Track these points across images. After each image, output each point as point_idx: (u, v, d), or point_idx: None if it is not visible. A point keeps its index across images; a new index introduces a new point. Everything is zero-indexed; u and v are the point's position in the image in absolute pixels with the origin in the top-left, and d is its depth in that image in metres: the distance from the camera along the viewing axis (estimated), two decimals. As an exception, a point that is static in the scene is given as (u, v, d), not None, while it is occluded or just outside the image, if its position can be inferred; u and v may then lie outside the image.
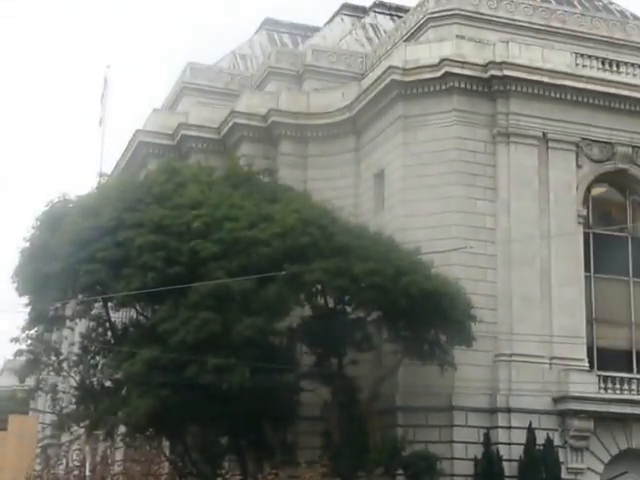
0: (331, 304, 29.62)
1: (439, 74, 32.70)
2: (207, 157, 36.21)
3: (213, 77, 44.14)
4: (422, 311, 27.73)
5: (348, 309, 29.76)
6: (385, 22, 45.42)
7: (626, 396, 31.35)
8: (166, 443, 32.16)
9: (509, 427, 30.59)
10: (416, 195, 32.68)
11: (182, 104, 43.77)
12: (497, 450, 30.06)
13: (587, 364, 31.92)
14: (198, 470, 30.82)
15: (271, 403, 28.28)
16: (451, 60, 32.58)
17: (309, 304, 29.53)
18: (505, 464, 29.87)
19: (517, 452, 30.04)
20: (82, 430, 34.27)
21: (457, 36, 33.88)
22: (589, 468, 31.08)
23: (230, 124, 37.69)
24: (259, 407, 28.19)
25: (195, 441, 31.28)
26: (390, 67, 33.50)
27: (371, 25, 45.26)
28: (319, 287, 28.83)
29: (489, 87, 32.75)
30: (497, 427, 30.64)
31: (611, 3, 39.41)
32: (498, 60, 32.58)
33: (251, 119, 37.34)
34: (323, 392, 30.40)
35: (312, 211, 28.90)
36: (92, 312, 31.70)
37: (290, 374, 29.19)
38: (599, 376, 31.42)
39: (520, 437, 30.14)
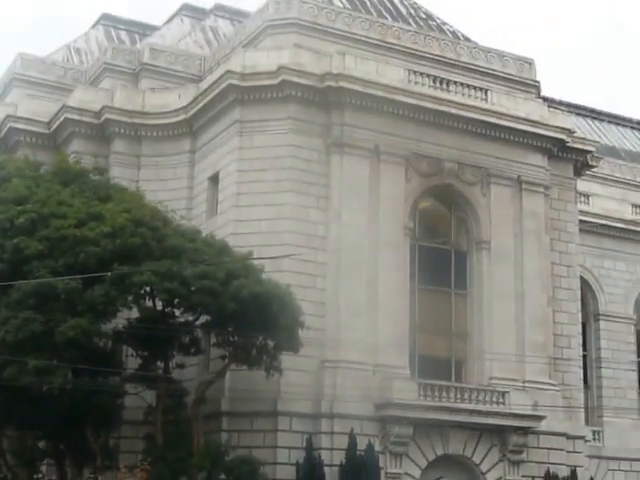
0: (160, 307, 29.28)
1: (276, 82, 32.97)
2: (36, 152, 35.04)
3: (45, 69, 42.88)
4: (251, 316, 27.79)
5: (177, 312, 29.50)
6: (225, 26, 45.38)
7: (444, 403, 32.32)
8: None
9: (332, 432, 31.02)
10: (249, 200, 32.79)
11: (11, 96, 42.30)
12: (319, 455, 30.43)
13: (409, 372, 32.80)
14: (14, 475, 29.83)
15: (93, 406, 27.68)
16: (288, 68, 32.91)
17: (137, 306, 29.07)
18: (326, 469, 30.26)
19: (339, 457, 30.51)
20: None
21: (295, 45, 34.21)
22: (407, 473, 31.90)
23: (61, 119, 36.72)
24: (81, 410, 27.58)
25: (11, 444, 30.25)
26: (228, 71, 33.52)
27: (211, 28, 45.12)
28: (148, 289, 28.44)
29: (325, 97, 33.25)
30: (320, 432, 31.04)
31: (444, 24, 40.72)
32: (334, 71, 33.13)
33: (83, 115, 36.51)
34: (148, 396, 30.04)
35: (144, 211, 28.53)
36: None
37: (114, 377, 28.68)
38: (420, 384, 32.27)
39: (342, 442, 30.60)
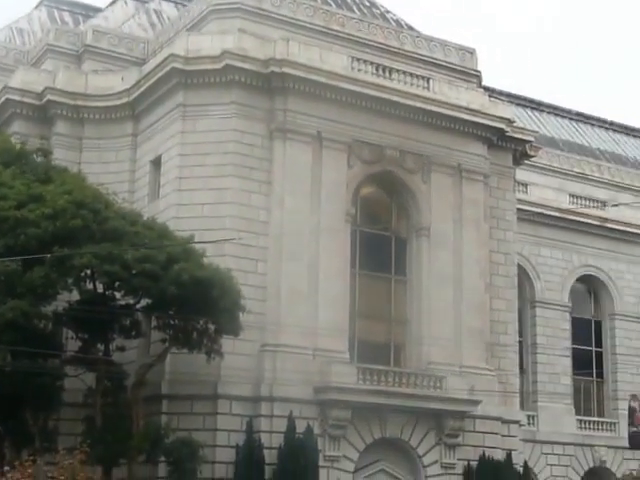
0: (100, 289, 29.26)
1: (220, 66, 33.01)
2: (-26, 133, 34.68)
3: (-15, 50, 42.26)
4: (192, 299, 27.92)
5: (117, 295, 29.51)
6: (169, 9, 45.17)
7: (383, 388, 32.77)
8: None
9: (271, 416, 31.31)
10: (192, 184, 32.84)
11: (-50, 76, 41.62)
12: (259, 438, 30.71)
13: (348, 356, 33.19)
14: (-49, 457, 29.58)
15: (33, 388, 27.62)
16: (232, 53, 32.96)
17: (77, 289, 29.02)
18: (266, 452, 30.54)
19: (278, 440, 30.79)
20: None
21: (239, 30, 34.24)
22: (345, 456, 32.31)
23: (2, 100, 36.37)
24: (20, 392, 27.49)
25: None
26: (171, 55, 33.47)
27: (155, 11, 44.88)
28: (88, 272, 28.41)
29: (268, 83, 33.37)
30: (260, 416, 31.31)
31: (388, 12, 41.02)
32: (278, 57, 33.26)
33: (25, 96, 36.19)
34: (88, 378, 30.05)
35: (85, 194, 28.43)
36: None
37: (54, 359, 28.64)
38: (359, 368, 32.67)
39: (282, 425, 30.89)
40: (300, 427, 30.95)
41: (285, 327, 31.77)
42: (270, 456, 30.63)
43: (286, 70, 33.17)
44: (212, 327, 29.29)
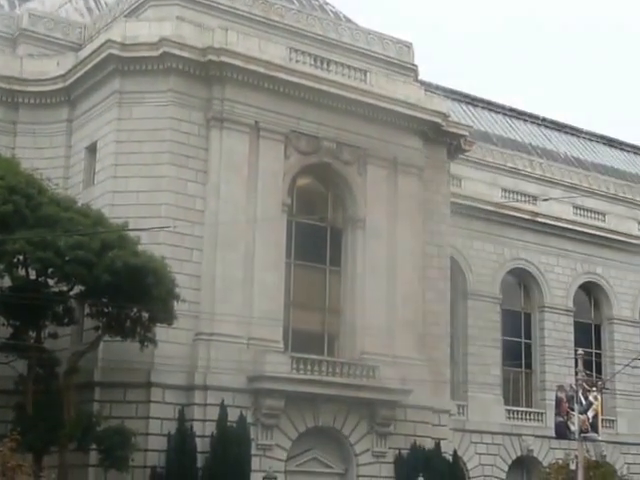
0: (33, 276, 28.98)
1: (157, 53, 32.90)
2: None
3: None
4: (126, 287, 27.81)
5: (50, 282, 29.27)
6: (107, -6, 44.67)
7: (316, 377, 33.04)
8: None
9: (205, 404, 31.39)
10: (127, 172, 32.71)
11: None
12: (191, 426, 30.77)
13: (282, 346, 33.37)
14: None
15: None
16: (170, 41, 32.86)
17: (9, 275, 28.69)
18: (198, 440, 30.64)
19: (211, 429, 30.92)
20: None
21: (178, 18, 34.14)
22: (277, 445, 32.52)
23: (-64, 82, 35.70)
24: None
25: None
26: (108, 41, 33.24)
27: (92, -4, 44.37)
28: (21, 258, 28.12)
29: (206, 71, 33.34)
30: (193, 404, 31.35)
31: (326, 4, 41.20)
32: (216, 46, 33.24)
33: (-42, 79, 35.59)
34: (19, 365, 29.78)
35: (18, 179, 28.11)
36: None
37: (-16, 346, 28.30)
38: (292, 357, 32.91)
39: (215, 414, 31.02)
40: (233, 416, 31.09)
41: (219, 316, 31.82)
42: (202, 444, 30.71)
43: (224, 59, 33.16)
44: (146, 315, 29.24)
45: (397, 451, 34.55)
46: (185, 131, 33.06)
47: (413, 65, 39.39)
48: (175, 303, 29.38)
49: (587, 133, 56.29)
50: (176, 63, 32.97)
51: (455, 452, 37.26)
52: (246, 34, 34.50)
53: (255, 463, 31.44)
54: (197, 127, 33.34)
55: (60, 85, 35.40)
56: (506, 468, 43.51)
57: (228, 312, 31.90)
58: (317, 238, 35.99)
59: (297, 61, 35.12)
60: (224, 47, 33.28)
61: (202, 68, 33.30)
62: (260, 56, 33.94)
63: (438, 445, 35.20)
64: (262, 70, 33.82)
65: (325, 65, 35.75)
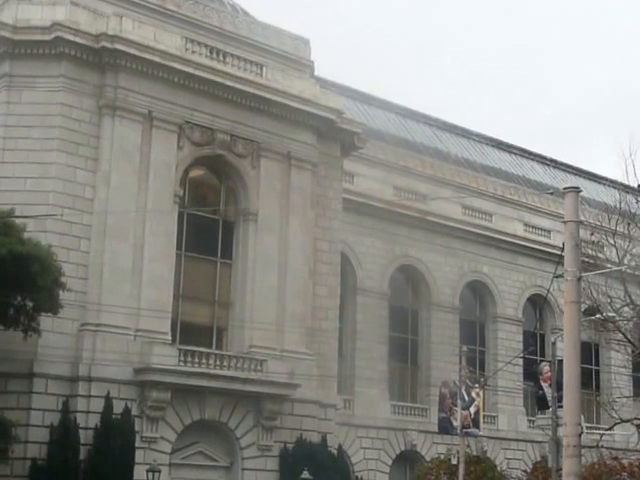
0: None
1: (50, 38, 32.28)
2: None
3: None
4: (10, 275, 27.17)
5: None
6: (-2, -25, 43.49)
7: (204, 370, 32.96)
8: None
9: (89, 396, 30.97)
10: (15, 157, 32.00)
11: None
12: (75, 418, 30.32)
13: (170, 338, 33.14)
14: None
15: None
16: (63, 26, 32.26)
17: None
18: (81, 432, 30.24)
19: (95, 421, 30.52)
20: None
21: (72, 3, 33.47)
22: (162, 437, 32.30)
23: None
24: None
25: None
26: (-1, 23, 32.41)
27: (-17, -24, 43.14)
28: None
29: (100, 58, 32.87)
30: (77, 395, 30.89)
31: (224, -4, 41.05)
32: (110, 33, 32.79)
33: None
34: None
35: None
36: None
37: None
38: (180, 350, 32.73)
39: (99, 406, 30.67)
40: (118, 408, 30.75)
41: (107, 306, 31.44)
42: (86, 437, 30.33)
43: (118, 47, 32.73)
44: (30, 304, 28.64)
45: (283, 445, 34.72)
46: (76, 118, 32.51)
47: (309, 61, 39.57)
48: (61, 292, 28.86)
49: (477, 135, 57.48)
50: (69, 49, 32.38)
51: (340, 446, 37.65)
52: (141, 22, 34.10)
53: (139, 456, 31.16)
54: (89, 114, 32.83)
55: (-54, 66, 34.30)
56: (390, 462, 44.17)
57: (115, 303, 31.52)
58: (209, 230, 35.87)
59: (193, 52, 34.91)
60: (118, 34, 32.84)
61: (95, 55, 32.79)
62: (155, 45, 33.61)
63: (324, 439, 35.51)
64: (157, 59, 33.50)
65: (221, 57, 35.64)
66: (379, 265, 45.41)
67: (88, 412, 30.71)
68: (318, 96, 37.96)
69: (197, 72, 34.46)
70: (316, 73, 40.32)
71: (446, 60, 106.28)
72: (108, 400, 30.54)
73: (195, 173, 35.91)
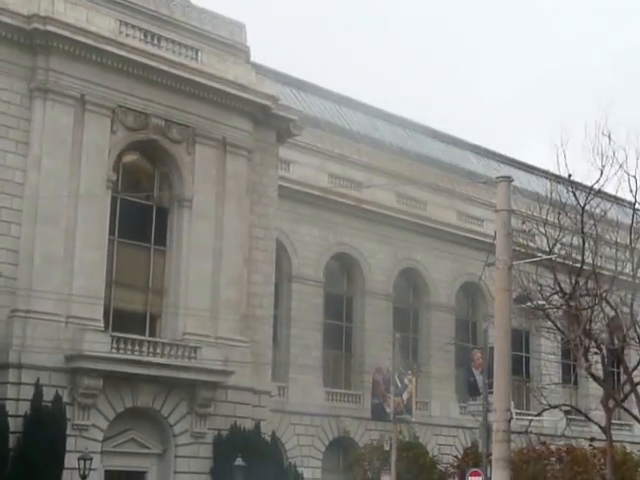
0: None
1: (-21, 18, 31.53)
2: None
3: None
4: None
5: None
6: None
7: (136, 357, 32.68)
8: None
9: (19, 383, 30.53)
10: (-58, 140, 31.22)
11: None
12: (4, 406, 29.84)
13: (102, 325, 32.78)
14: None
15: None
16: (-7, 6, 31.58)
17: None
18: (11, 420, 29.75)
19: (25, 408, 30.10)
20: None
21: (2, -18, 32.82)
22: (94, 425, 31.97)
23: None
24: None
25: None
26: None
27: None
28: None
29: (31, 40, 32.25)
30: (7, 383, 30.42)
31: (159, -22, 40.48)
32: (42, 14, 32.20)
33: None
34: None
35: None
36: None
37: None
38: (113, 337, 32.39)
39: (29, 393, 30.22)
40: (49, 395, 30.35)
41: (37, 293, 30.96)
42: (15, 424, 29.85)
43: (50, 28, 32.17)
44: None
45: (217, 432, 34.61)
46: (6, 100, 31.87)
47: (245, 46, 39.27)
48: (-9, 278, 28.37)
49: (412, 124, 57.76)
50: (-1, 29, 31.71)
51: (274, 433, 37.67)
52: (74, 4, 33.52)
53: (70, 444, 30.79)
54: (19, 97, 32.21)
55: None
56: (323, 449, 44.39)
57: (46, 289, 31.05)
58: (142, 216, 35.50)
59: (127, 35, 34.46)
60: (50, 16, 32.27)
61: (27, 36, 32.18)
62: (88, 27, 33.10)
63: (258, 426, 35.49)
64: (90, 42, 32.99)
65: (155, 41, 35.26)
66: (314, 252, 45.50)
67: (18, 399, 30.26)
68: (254, 82, 37.79)
69: (131, 56, 34.03)
70: (252, 59, 40.05)
71: (381, 48, 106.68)
72: (38, 387, 30.13)
73: (129, 158, 35.49)
